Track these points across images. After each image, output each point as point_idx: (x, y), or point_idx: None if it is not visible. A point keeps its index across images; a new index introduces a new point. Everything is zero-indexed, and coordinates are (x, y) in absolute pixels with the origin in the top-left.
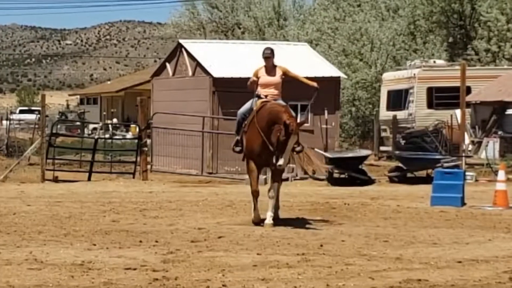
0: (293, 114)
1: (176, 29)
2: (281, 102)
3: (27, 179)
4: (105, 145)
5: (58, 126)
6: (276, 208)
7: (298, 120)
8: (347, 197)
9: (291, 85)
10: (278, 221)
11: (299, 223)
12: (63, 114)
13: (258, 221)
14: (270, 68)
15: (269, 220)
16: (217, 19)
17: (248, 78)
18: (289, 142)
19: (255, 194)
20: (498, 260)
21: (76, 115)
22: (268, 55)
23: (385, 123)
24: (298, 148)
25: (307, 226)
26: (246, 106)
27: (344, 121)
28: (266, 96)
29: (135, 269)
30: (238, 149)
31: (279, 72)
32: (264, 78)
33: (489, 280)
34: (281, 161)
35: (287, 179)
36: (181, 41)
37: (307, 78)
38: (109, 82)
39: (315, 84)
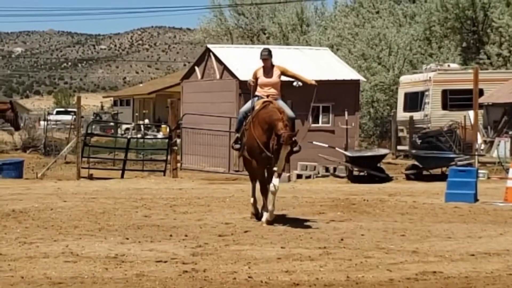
0: (293, 115)
1: (204, 35)
2: (281, 102)
3: (64, 176)
4: (137, 145)
5: (93, 127)
6: (268, 201)
7: (307, 122)
8: (366, 194)
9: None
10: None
11: (321, 218)
12: (97, 115)
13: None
14: (268, 69)
15: (270, 216)
16: (243, 25)
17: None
18: (281, 151)
19: (263, 190)
20: (509, 253)
21: (110, 116)
22: (266, 57)
23: (402, 123)
24: (295, 149)
25: (328, 221)
26: (248, 105)
27: (363, 122)
28: (267, 96)
29: (165, 261)
30: (237, 146)
31: (277, 73)
32: (262, 78)
33: (500, 272)
34: (275, 168)
35: (309, 177)
36: (209, 46)
37: (329, 81)
38: (141, 85)
39: (313, 81)
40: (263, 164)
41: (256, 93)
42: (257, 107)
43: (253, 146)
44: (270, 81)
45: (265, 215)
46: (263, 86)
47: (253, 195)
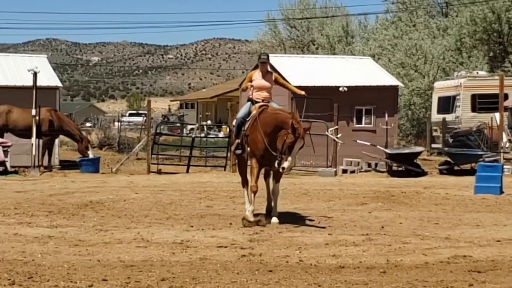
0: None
1: (260, 45)
2: (275, 104)
3: (135, 171)
4: (200, 143)
5: (161, 127)
6: (274, 207)
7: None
8: (404, 187)
9: (356, 92)
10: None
11: (364, 208)
12: (165, 116)
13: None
14: (265, 73)
15: (275, 219)
16: (295, 36)
17: (321, 87)
18: (295, 146)
19: (254, 189)
20: None
21: (177, 117)
22: (265, 60)
23: (436, 124)
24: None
25: (370, 211)
26: (244, 110)
27: (401, 123)
28: (263, 100)
29: (226, 247)
30: (239, 151)
31: (272, 78)
32: (259, 81)
33: None
34: (285, 164)
35: (353, 171)
36: None
37: (371, 86)
38: (204, 90)
39: (302, 92)
40: (262, 166)
41: (250, 96)
42: (254, 112)
43: (257, 148)
44: (265, 85)
45: (249, 212)
46: (258, 89)
47: (251, 202)
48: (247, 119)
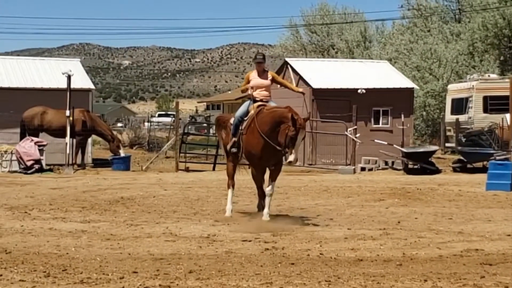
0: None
1: (283, 50)
2: (273, 103)
3: (164, 169)
4: None
5: (189, 127)
6: (266, 203)
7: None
8: (419, 184)
9: (374, 94)
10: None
11: (381, 204)
12: (193, 117)
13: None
14: (261, 72)
15: (266, 217)
16: (316, 41)
17: (340, 89)
18: (298, 137)
19: (260, 192)
20: None
21: (203, 118)
22: (260, 60)
23: (449, 124)
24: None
25: (387, 206)
26: (242, 109)
27: (417, 123)
28: (262, 99)
29: (250, 241)
30: (234, 150)
31: (269, 76)
32: (256, 80)
33: None
34: (291, 157)
35: (371, 169)
36: (287, 59)
37: (388, 89)
38: (229, 92)
39: (300, 89)
40: (264, 167)
41: (250, 94)
42: (252, 112)
43: (254, 148)
44: (263, 83)
45: (265, 216)
46: (256, 88)
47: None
48: (245, 118)
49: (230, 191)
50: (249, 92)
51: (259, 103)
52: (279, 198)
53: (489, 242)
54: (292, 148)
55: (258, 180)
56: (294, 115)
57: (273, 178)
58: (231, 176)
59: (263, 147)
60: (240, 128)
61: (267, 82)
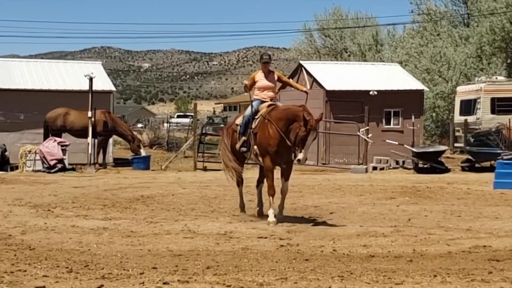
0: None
1: (297, 53)
2: (279, 104)
3: (183, 168)
4: None
5: (207, 128)
6: (281, 205)
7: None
8: (429, 182)
9: (385, 96)
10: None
11: (392, 202)
12: (210, 118)
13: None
14: (267, 73)
15: (272, 218)
16: (329, 45)
17: (353, 91)
18: (308, 137)
19: (272, 192)
20: None
21: (221, 119)
22: (267, 60)
23: (458, 125)
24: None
25: (398, 204)
26: (249, 110)
27: (426, 124)
28: (271, 99)
29: (266, 237)
30: (244, 149)
31: (275, 77)
32: (262, 81)
33: None
34: (300, 156)
35: (383, 168)
36: (301, 62)
37: (399, 90)
38: (246, 94)
39: (304, 88)
40: (277, 163)
41: (255, 96)
42: (263, 110)
43: (269, 144)
44: (269, 85)
45: (271, 215)
46: (262, 89)
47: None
48: (256, 118)
49: (240, 189)
50: (247, 91)
51: (269, 102)
52: (293, 196)
53: (496, 239)
54: (302, 148)
55: (272, 176)
56: (306, 115)
57: (286, 177)
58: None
59: (278, 142)
60: (250, 127)
61: (273, 83)
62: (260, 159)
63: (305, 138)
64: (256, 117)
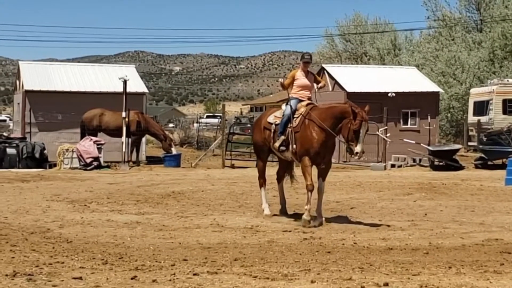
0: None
1: (320, 57)
2: (314, 103)
3: (212, 166)
4: None
5: (234, 127)
6: (319, 205)
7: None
8: (444, 179)
9: (403, 97)
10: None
11: (409, 198)
12: (238, 118)
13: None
14: (307, 72)
15: (307, 216)
16: (350, 49)
17: (372, 93)
18: (361, 130)
19: (311, 187)
20: None
21: (247, 119)
22: (308, 60)
23: (472, 125)
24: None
25: (415, 200)
26: (289, 109)
27: (442, 124)
28: (309, 98)
29: (290, 231)
30: (283, 148)
31: (313, 78)
32: (302, 80)
33: None
34: (358, 148)
35: (400, 166)
36: (323, 65)
37: (415, 92)
38: (271, 95)
39: (322, 81)
40: (317, 163)
41: (292, 94)
42: (302, 109)
43: (312, 144)
44: (308, 84)
45: (306, 213)
46: (301, 87)
47: (308, 201)
48: (295, 116)
49: (262, 190)
50: (284, 88)
51: (308, 101)
52: (316, 192)
53: (508, 233)
54: (357, 141)
55: (309, 173)
56: (354, 108)
57: (323, 177)
58: (262, 174)
59: (322, 142)
60: (289, 126)
61: (311, 83)
62: (299, 158)
63: (358, 131)
64: (296, 116)
